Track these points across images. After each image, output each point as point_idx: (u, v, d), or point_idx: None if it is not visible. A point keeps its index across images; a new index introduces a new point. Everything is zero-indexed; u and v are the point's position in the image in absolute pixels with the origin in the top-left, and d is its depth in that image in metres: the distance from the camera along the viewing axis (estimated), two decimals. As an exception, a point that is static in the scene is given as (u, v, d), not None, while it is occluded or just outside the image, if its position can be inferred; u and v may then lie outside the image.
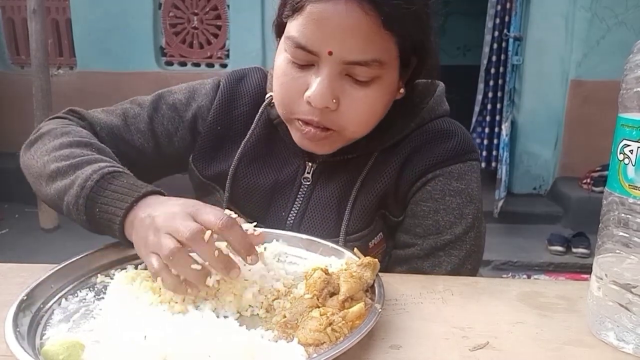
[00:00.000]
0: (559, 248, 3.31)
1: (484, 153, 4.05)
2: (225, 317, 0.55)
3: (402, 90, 0.78)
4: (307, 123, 0.73)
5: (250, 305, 0.58)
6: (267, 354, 0.47)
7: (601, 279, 0.54)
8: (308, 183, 0.84)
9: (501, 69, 3.87)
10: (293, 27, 0.70)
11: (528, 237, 3.55)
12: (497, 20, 3.80)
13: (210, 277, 0.56)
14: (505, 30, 3.77)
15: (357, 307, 0.53)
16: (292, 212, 0.83)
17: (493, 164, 3.93)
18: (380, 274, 0.60)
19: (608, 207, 0.54)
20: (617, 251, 0.53)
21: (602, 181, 3.61)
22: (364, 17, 0.66)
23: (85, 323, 0.54)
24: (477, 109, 3.98)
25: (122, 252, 0.68)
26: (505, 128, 3.76)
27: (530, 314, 0.59)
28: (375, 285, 0.58)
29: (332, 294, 0.56)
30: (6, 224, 3.77)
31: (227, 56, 4.29)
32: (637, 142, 0.50)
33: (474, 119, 4.01)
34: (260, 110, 0.87)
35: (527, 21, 3.91)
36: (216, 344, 0.47)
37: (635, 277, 0.51)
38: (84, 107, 0.89)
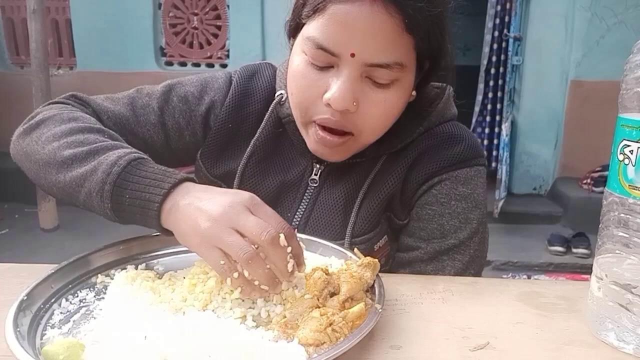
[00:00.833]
0: (559, 248, 3.31)
1: (485, 154, 4.04)
2: (227, 317, 0.55)
3: (413, 93, 0.78)
4: (324, 128, 0.72)
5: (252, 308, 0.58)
6: (267, 354, 0.47)
7: (601, 279, 0.54)
8: (315, 185, 0.83)
9: (501, 69, 3.87)
10: (313, 28, 0.68)
11: (528, 237, 3.56)
12: (497, 20, 3.80)
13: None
14: (505, 30, 3.77)
15: (358, 308, 0.53)
16: (297, 213, 0.83)
17: (493, 164, 3.93)
18: (380, 274, 0.60)
19: (608, 207, 0.54)
20: (617, 251, 0.53)
21: (602, 181, 3.61)
22: (389, 19, 0.65)
23: (85, 323, 0.54)
24: (477, 109, 3.98)
25: (122, 252, 0.68)
26: (505, 128, 3.77)
27: (530, 314, 0.59)
28: (376, 285, 0.58)
29: (332, 294, 0.56)
30: (6, 224, 3.77)
31: (227, 56, 4.30)
32: (637, 142, 0.50)
33: (474, 119, 4.01)
34: (270, 108, 0.85)
35: (527, 21, 3.91)
36: (216, 344, 0.47)
37: (635, 277, 0.51)
38: (84, 107, 0.87)
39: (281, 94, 0.84)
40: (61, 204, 3.65)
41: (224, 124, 0.86)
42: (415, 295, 0.63)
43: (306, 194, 0.83)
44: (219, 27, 4.25)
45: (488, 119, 4.01)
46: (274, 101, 0.85)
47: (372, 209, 0.79)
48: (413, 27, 0.66)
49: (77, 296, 0.59)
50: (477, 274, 0.80)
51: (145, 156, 0.67)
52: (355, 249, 0.67)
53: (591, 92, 3.81)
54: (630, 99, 0.51)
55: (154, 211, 0.59)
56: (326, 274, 0.57)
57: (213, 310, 0.55)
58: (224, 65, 4.28)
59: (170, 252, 0.71)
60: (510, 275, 3.11)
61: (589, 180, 3.78)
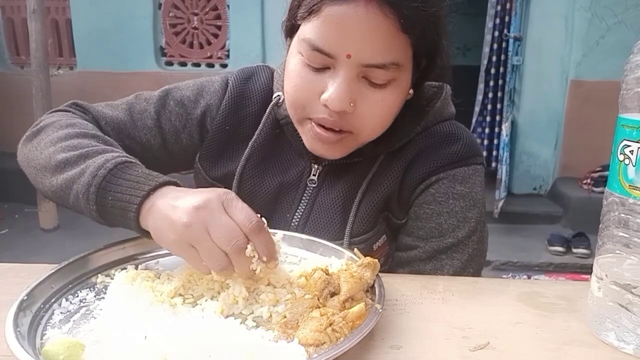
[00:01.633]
0: (559, 248, 3.31)
1: (484, 153, 4.05)
2: (227, 317, 0.55)
3: (410, 92, 0.78)
4: (321, 125, 0.72)
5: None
6: (267, 354, 0.47)
7: (601, 279, 0.54)
8: (314, 185, 0.83)
9: (501, 69, 3.87)
10: (309, 29, 0.68)
11: (528, 237, 3.56)
12: (497, 20, 3.80)
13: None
14: (505, 30, 3.77)
15: (358, 308, 0.53)
16: (296, 214, 0.83)
17: (493, 164, 3.93)
18: (380, 274, 0.60)
19: (608, 207, 0.54)
20: (618, 251, 0.53)
21: (602, 181, 3.61)
22: (384, 19, 0.65)
23: (85, 323, 0.54)
24: (477, 109, 3.98)
25: (122, 252, 0.68)
26: (505, 128, 3.77)
27: (530, 314, 0.59)
28: (376, 285, 0.58)
29: (332, 294, 0.56)
30: (6, 224, 3.77)
31: (227, 56, 4.30)
32: (638, 142, 0.50)
33: (474, 119, 4.01)
34: (267, 110, 0.86)
35: (527, 21, 3.91)
36: (216, 344, 0.47)
37: (635, 277, 0.51)
38: (84, 107, 0.88)
39: (278, 95, 0.84)
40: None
41: (221, 127, 0.87)
42: (415, 295, 0.63)
43: (305, 195, 0.83)
44: (219, 27, 4.25)
45: (488, 119, 4.01)
46: (272, 103, 0.86)
47: (370, 209, 0.80)
48: (408, 27, 0.66)
49: (77, 296, 0.59)
50: (477, 272, 0.80)
51: (134, 160, 0.68)
52: (355, 249, 0.67)
53: (591, 92, 3.81)
54: (631, 99, 0.51)
55: (132, 212, 0.61)
56: (326, 274, 0.57)
57: (200, 306, 0.55)
58: (224, 65, 4.28)
59: (171, 252, 0.71)
60: (510, 275, 3.11)
61: (589, 180, 3.78)
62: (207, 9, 4.21)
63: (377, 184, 0.80)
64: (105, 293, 0.60)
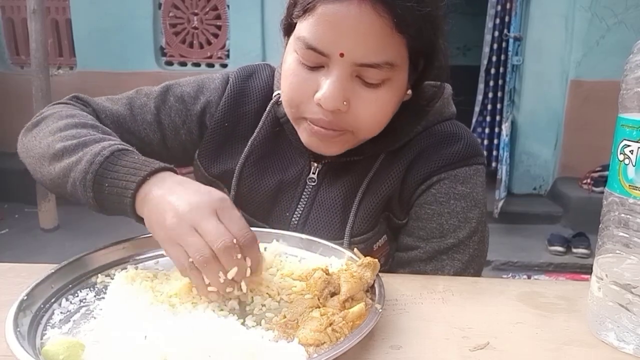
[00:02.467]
0: (559, 248, 3.31)
1: (484, 153, 4.04)
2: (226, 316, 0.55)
3: (409, 92, 0.78)
4: (316, 124, 0.72)
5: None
6: (267, 354, 0.47)
7: (601, 279, 0.54)
8: (313, 184, 0.83)
9: (501, 69, 3.87)
10: (304, 28, 0.69)
11: (528, 237, 3.56)
12: (497, 20, 3.80)
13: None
14: (505, 30, 3.77)
15: (358, 308, 0.53)
16: (296, 212, 0.83)
17: (493, 164, 3.93)
18: (380, 274, 0.60)
19: (608, 207, 0.54)
20: (618, 251, 0.53)
21: (602, 181, 3.61)
22: (377, 19, 0.65)
23: (85, 323, 0.54)
24: (477, 109, 3.98)
25: (122, 252, 0.68)
26: (505, 128, 3.77)
27: (530, 314, 0.59)
28: (376, 285, 0.58)
29: (332, 294, 0.56)
30: (6, 224, 3.77)
31: (227, 56, 4.30)
32: (638, 142, 0.50)
33: (474, 119, 4.01)
34: (267, 108, 0.86)
35: (527, 21, 3.91)
36: (216, 344, 0.47)
37: (635, 277, 0.51)
38: (84, 107, 0.88)
39: (279, 93, 0.84)
40: (61, 203, 3.65)
41: (220, 123, 0.87)
42: (415, 295, 0.63)
43: (304, 193, 0.83)
44: (219, 27, 4.25)
45: (488, 119, 4.01)
46: (272, 101, 0.86)
47: (370, 209, 0.79)
48: (403, 27, 0.66)
49: (77, 296, 0.59)
50: (477, 273, 0.80)
51: (131, 148, 0.68)
52: (355, 249, 0.67)
53: (591, 92, 3.80)
54: (631, 99, 0.51)
55: (128, 198, 0.61)
56: (326, 274, 0.57)
57: (214, 311, 0.55)
58: (224, 65, 4.28)
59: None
60: (510, 275, 3.11)
61: (589, 180, 3.78)
62: (207, 9, 4.21)
63: (378, 183, 0.80)
64: (105, 293, 0.60)
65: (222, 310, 0.56)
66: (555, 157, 4.09)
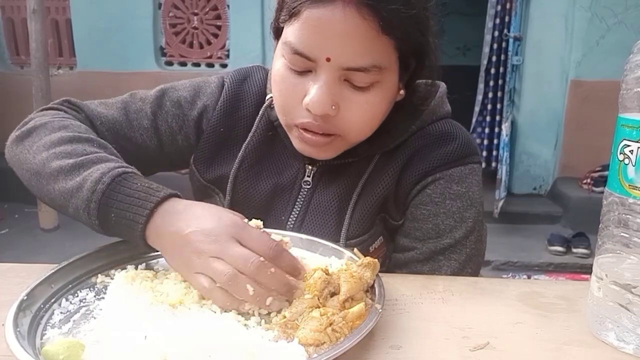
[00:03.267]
0: (559, 248, 3.31)
1: (484, 153, 4.05)
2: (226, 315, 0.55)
3: (402, 92, 0.77)
4: (307, 130, 0.72)
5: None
6: (267, 354, 0.47)
7: (601, 279, 0.54)
8: (308, 186, 0.83)
9: (501, 69, 3.87)
10: (290, 33, 0.68)
11: (528, 237, 3.56)
12: (497, 20, 3.80)
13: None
14: (505, 30, 3.77)
15: (358, 308, 0.53)
16: (292, 216, 0.82)
17: (493, 164, 3.93)
18: (380, 274, 0.60)
19: (608, 207, 0.54)
20: (618, 251, 0.53)
21: (602, 181, 3.61)
22: (362, 22, 0.64)
23: (85, 323, 0.54)
24: (477, 109, 3.98)
25: (122, 252, 0.68)
26: (505, 128, 3.77)
27: (530, 314, 0.59)
28: (376, 285, 0.58)
29: (332, 294, 0.56)
30: (6, 224, 3.77)
31: (227, 56, 4.30)
32: (637, 142, 0.50)
33: (474, 119, 4.01)
34: (260, 112, 0.85)
35: (527, 21, 3.91)
36: (216, 344, 0.47)
37: (635, 277, 0.51)
38: (83, 107, 0.87)
39: (272, 97, 0.84)
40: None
41: (216, 128, 0.86)
42: (415, 295, 0.63)
43: (299, 197, 0.83)
44: (219, 27, 4.25)
45: (488, 119, 4.01)
46: (265, 104, 0.85)
47: (366, 211, 0.79)
48: (389, 29, 0.66)
49: (77, 296, 0.59)
50: (475, 272, 0.80)
51: (131, 169, 0.67)
52: (355, 249, 0.67)
53: (591, 92, 3.80)
54: (630, 99, 0.51)
55: (138, 232, 0.61)
56: (326, 274, 0.57)
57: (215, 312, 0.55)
58: (224, 65, 4.28)
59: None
60: (510, 275, 3.11)
61: (589, 180, 3.78)
62: (207, 9, 4.21)
63: (373, 185, 0.80)
64: (105, 293, 0.60)
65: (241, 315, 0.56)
66: (555, 157, 4.09)
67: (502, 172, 3.72)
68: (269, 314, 0.56)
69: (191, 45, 4.31)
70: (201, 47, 4.30)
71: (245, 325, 0.53)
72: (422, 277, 0.70)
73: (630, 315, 0.51)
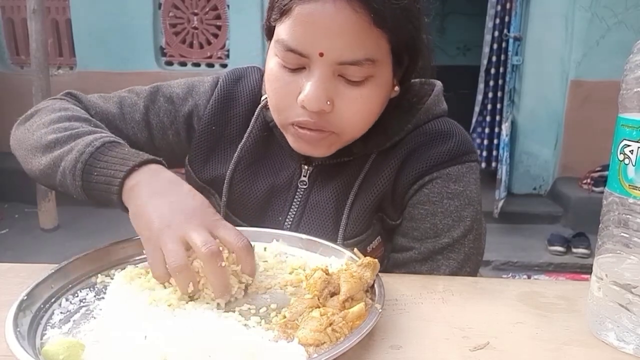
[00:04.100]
0: (559, 248, 3.31)
1: (484, 153, 4.05)
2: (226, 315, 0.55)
3: (396, 88, 0.77)
4: (302, 127, 0.72)
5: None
6: (267, 354, 0.47)
7: (601, 279, 0.54)
8: (304, 187, 0.83)
9: (501, 69, 3.87)
10: (282, 30, 0.68)
11: (528, 237, 3.55)
12: (497, 20, 3.80)
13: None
14: (505, 30, 3.77)
15: (358, 308, 0.53)
16: (289, 216, 0.82)
17: (493, 164, 3.93)
18: (380, 274, 0.60)
19: (608, 207, 0.54)
20: (618, 251, 0.53)
21: (602, 181, 3.61)
22: (353, 15, 0.64)
23: (85, 323, 0.54)
24: (477, 109, 3.98)
25: (122, 252, 0.68)
26: (505, 128, 3.76)
27: (530, 314, 0.59)
28: (376, 285, 0.58)
29: (332, 294, 0.56)
30: (6, 224, 3.77)
31: (227, 56, 4.30)
32: (637, 142, 0.50)
33: (474, 119, 4.01)
34: (256, 112, 0.86)
35: (527, 21, 3.91)
36: (216, 344, 0.47)
37: (635, 277, 0.51)
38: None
39: (267, 97, 0.84)
40: (61, 203, 3.65)
41: (208, 126, 0.87)
42: (415, 295, 0.63)
43: (296, 197, 0.83)
44: (219, 27, 4.25)
45: (488, 119, 4.01)
46: (260, 105, 0.85)
47: (363, 210, 0.79)
48: (381, 21, 0.66)
49: (77, 296, 0.59)
50: (474, 272, 0.80)
51: (122, 141, 0.70)
52: (355, 249, 0.67)
53: (591, 92, 3.80)
54: (630, 99, 0.51)
55: (115, 187, 0.62)
56: (326, 274, 0.57)
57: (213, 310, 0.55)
58: (224, 65, 4.28)
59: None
60: (510, 275, 3.11)
61: (589, 180, 3.78)
62: (207, 9, 4.21)
63: (370, 184, 0.79)
64: (105, 293, 0.60)
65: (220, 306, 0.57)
66: (555, 157, 4.09)
67: (502, 172, 3.72)
68: (269, 314, 0.56)
69: (191, 45, 4.31)
70: (201, 47, 4.30)
71: (245, 325, 0.53)
72: (422, 277, 0.70)
73: (630, 315, 0.51)
